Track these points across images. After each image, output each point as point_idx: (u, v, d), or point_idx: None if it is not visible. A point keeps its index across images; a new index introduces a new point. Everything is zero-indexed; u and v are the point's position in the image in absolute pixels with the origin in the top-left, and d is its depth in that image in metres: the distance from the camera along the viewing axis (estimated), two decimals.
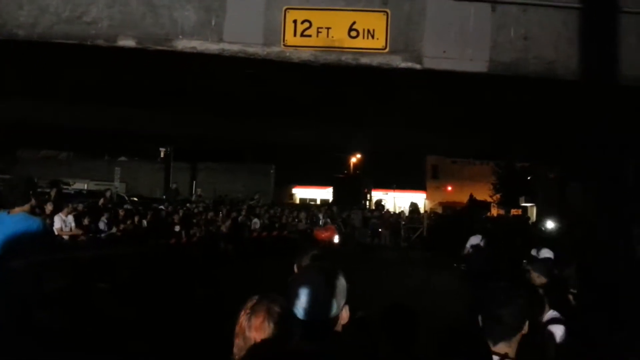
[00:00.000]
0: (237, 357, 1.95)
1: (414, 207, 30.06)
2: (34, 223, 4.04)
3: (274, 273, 3.93)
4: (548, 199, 21.10)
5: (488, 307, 2.39)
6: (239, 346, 1.95)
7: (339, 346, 2.00)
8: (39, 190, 7.84)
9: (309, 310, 1.95)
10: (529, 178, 27.61)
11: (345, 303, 2.05)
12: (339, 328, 2.03)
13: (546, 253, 6.21)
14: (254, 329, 1.93)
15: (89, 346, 6.05)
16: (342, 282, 2.03)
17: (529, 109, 11.22)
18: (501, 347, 2.31)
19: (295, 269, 3.46)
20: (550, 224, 17.06)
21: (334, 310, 1.98)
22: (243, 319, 1.96)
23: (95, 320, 7.01)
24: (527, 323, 2.39)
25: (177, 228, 14.63)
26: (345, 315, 2.03)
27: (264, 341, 1.93)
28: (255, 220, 19.02)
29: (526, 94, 9.40)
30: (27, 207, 4.07)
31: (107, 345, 6.38)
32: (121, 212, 13.70)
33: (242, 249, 16.01)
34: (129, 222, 13.21)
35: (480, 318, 2.43)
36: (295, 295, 1.98)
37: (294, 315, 1.98)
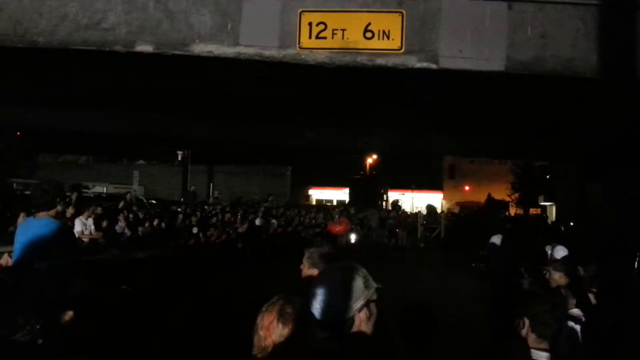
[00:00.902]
0: (255, 354, 1.99)
1: (430, 208, 29.87)
2: (59, 226, 4.13)
3: (288, 273, 3.96)
4: (568, 198, 20.85)
5: (532, 309, 2.84)
6: (255, 343, 2.00)
7: (356, 346, 2.02)
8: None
9: (325, 309, 2.00)
10: (547, 177, 27.31)
11: (365, 304, 2.05)
12: (358, 328, 2.05)
13: (560, 250, 6.10)
14: (265, 327, 1.97)
15: (113, 348, 6.14)
16: (358, 284, 2.04)
17: (547, 108, 11.10)
18: (544, 344, 2.78)
19: (305, 263, 3.45)
20: (569, 223, 16.87)
21: (349, 311, 2.00)
22: (259, 317, 2.01)
23: (119, 322, 7.10)
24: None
25: (195, 230, 14.77)
26: (363, 316, 2.04)
27: (284, 341, 1.95)
28: (274, 221, 19.19)
29: (544, 93, 9.30)
30: (52, 212, 4.16)
31: (130, 347, 6.47)
32: (140, 215, 13.89)
33: (259, 249, 16.12)
34: (147, 224, 13.37)
35: (522, 319, 2.82)
36: (312, 295, 2.02)
37: (314, 317, 2.01)
